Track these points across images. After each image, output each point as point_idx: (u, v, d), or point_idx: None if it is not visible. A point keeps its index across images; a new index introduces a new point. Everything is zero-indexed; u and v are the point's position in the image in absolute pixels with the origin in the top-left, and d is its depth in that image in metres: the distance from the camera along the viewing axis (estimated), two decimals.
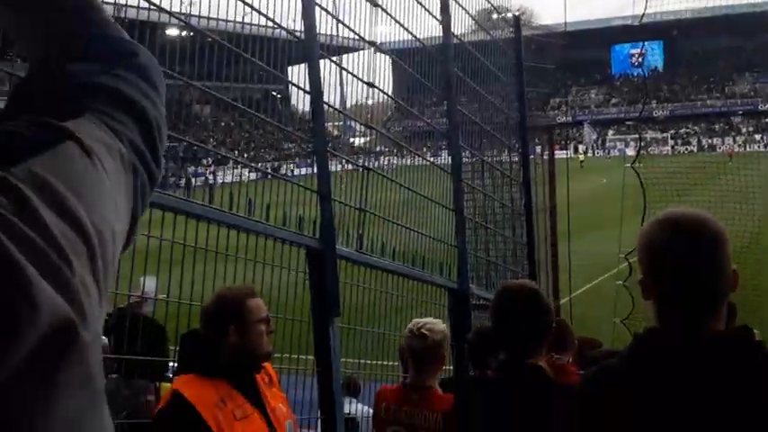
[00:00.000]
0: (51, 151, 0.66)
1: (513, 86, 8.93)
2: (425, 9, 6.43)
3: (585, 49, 79.08)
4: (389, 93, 6.26)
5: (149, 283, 4.67)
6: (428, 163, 6.69)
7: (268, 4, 4.25)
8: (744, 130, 73.02)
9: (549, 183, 10.53)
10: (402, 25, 6.04)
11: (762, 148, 59.87)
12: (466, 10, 7.29)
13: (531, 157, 9.50)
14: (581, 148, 66.03)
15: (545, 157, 11.73)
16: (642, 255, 1.92)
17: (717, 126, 75.62)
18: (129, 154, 0.75)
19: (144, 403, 4.69)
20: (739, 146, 62.13)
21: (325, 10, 4.65)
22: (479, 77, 7.77)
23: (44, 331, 0.55)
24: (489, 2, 8.25)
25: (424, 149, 8.02)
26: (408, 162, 6.75)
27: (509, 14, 9.48)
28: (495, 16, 9.71)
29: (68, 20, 0.84)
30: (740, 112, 74.92)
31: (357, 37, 5.30)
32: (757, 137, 69.26)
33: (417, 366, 3.89)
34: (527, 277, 8.33)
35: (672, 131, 74.01)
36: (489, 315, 2.99)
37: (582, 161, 52.76)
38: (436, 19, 6.64)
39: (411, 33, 6.25)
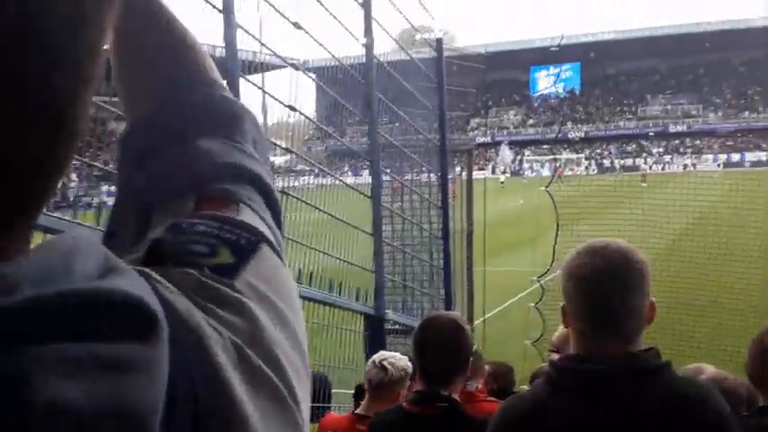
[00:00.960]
0: (256, 257, 0.59)
1: (434, 108, 9.00)
2: (348, 31, 6.43)
3: (505, 71, 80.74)
4: (312, 110, 6.25)
5: None
6: (348, 185, 6.65)
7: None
8: (655, 151, 75.72)
9: (467, 205, 10.63)
10: (324, 47, 6.01)
11: (679, 169, 61.91)
12: (388, 33, 7.32)
13: (451, 178, 9.57)
14: (498, 169, 67.08)
15: (464, 177, 11.84)
16: (563, 284, 1.95)
17: (630, 147, 78.17)
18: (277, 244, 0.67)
19: None
20: (650, 167, 64.23)
21: (247, 32, 4.57)
22: (401, 99, 7.80)
23: None
24: (410, 23, 8.29)
25: (346, 168, 8.00)
26: (329, 182, 6.70)
27: (431, 35, 9.57)
28: (417, 37, 9.80)
29: (186, 78, 0.75)
30: (651, 134, 77.70)
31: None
32: (667, 158, 71.92)
33: (372, 398, 3.84)
34: (442, 301, 8.40)
35: (587, 153, 76.13)
36: (412, 348, 2.95)
37: (503, 182, 53.61)
38: (360, 42, 6.64)
39: (333, 56, 6.23)
